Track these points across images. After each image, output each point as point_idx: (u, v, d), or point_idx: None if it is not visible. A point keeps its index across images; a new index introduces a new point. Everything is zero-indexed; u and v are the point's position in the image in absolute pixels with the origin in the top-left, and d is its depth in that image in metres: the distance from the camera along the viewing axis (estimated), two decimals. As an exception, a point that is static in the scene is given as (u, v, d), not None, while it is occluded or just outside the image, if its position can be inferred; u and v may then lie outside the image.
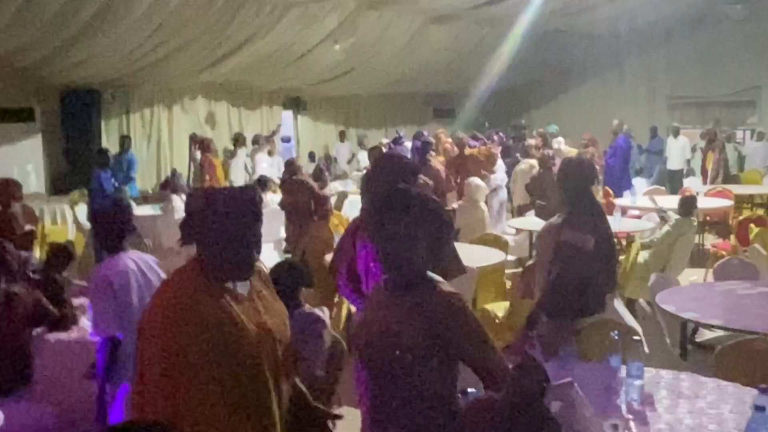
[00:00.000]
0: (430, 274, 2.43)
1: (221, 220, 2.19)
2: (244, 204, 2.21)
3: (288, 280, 3.83)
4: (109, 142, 12.33)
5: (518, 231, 9.10)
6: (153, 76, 12.38)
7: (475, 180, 8.74)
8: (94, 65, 10.99)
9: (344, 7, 11.74)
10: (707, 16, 15.87)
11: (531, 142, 10.53)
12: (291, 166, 8.89)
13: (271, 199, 9.59)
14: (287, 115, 16.92)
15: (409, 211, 2.35)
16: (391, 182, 3.42)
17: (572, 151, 11.10)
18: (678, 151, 14.50)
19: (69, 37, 9.76)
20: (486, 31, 14.48)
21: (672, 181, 14.09)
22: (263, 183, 9.64)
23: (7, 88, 10.95)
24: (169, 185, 9.78)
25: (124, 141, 11.74)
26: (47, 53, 10.23)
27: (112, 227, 3.76)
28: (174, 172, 10.87)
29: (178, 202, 8.95)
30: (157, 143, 13.38)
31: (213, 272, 2.21)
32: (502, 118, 17.88)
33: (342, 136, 16.64)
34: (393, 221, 2.34)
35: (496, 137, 12.44)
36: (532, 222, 7.93)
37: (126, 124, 12.86)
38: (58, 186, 11.53)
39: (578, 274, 3.94)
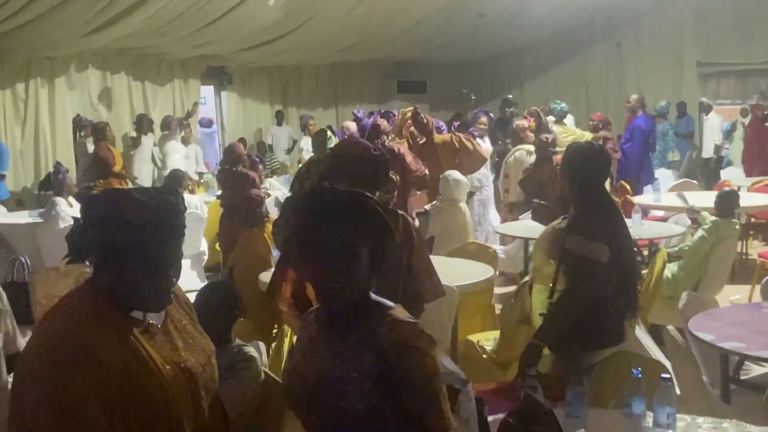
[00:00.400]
0: (377, 297, 2.43)
1: (131, 232, 2.17)
2: (163, 211, 2.20)
3: (219, 310, 3.79)
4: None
5: (503, 238, 9.13)
6: (27, 40, 12.17)
7: (454, 174, 8.74)
8: (-52, 26, 10.80)
9: (280, -51, 11.73)
10: (748, -40, 16.10)
11: (521, 123, 10.42)
12: (232, 153, 8.95)
13: (188, 201, 9.51)
14: (207, 90, 16.83)
15: (344, 214, 2.35)
16: (352, 183, 3.43)
17: (584, 136, 11.12)
18: (709, 133, 14.77)
19: None
20: (465, -19, 14.58)
21: (707, 172, 14.33)
22: (177, 180, 9.60)
23: None
24: (52, 184, 9.65)
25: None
26: None
27: None
28: (58, 167, 10.73)
29: (64, 207, 8.85)
30: (34, 129, 13.18)
31: (116, 299, 2.20)
32: (487, 94, 18.00)
33: (279, 118, 16.62)
34: (325, 227, 2.34)
35: (484, 118, 12.12)
36: (526, 227, 7.98)
37: (-8, 102, 12.70)
38: None
39: (589, 294, 3.97)
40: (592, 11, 17.69)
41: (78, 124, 12.17)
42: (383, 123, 9.61)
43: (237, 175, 8.66)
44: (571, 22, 17.87)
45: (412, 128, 10.71)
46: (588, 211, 4.08)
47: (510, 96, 14.76)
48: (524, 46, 19.11)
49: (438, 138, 9.98)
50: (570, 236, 4.02)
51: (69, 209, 8.79)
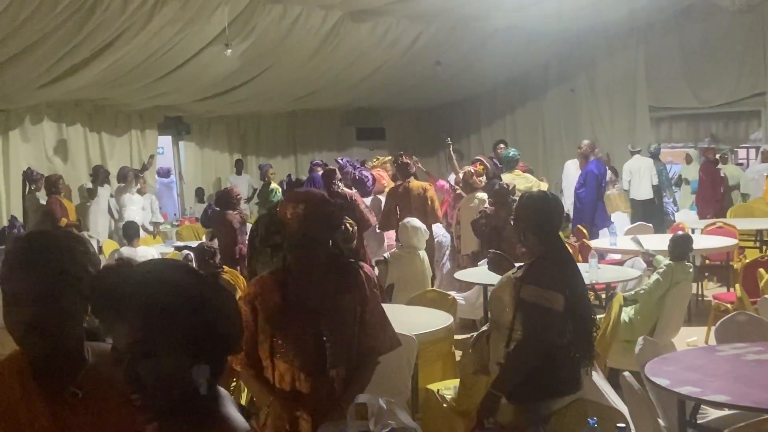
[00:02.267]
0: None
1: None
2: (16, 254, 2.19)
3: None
4: None
5: (462, 284, 9.13)
6: (-19, 94, 12.10)
7: (413, 221, 8.77)
8: None
9: (237, -1, 11.77)
10: (696, 7, 16.33)
11: (470, 169, 10.36)
12: (226, 196, 9.09)
13: (144, 253, 9.47)
14: (165, 140, 16.76)
15: (157, 302, 1.79)
16: (308, 230, 3.44)
17: (540, 185, 11.16)
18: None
19: None
20: (421, 29, 14.69)
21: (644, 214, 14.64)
22: (132, 231, 9.57)
23: None
24: (6, 238, 9.53)
25: None
26: None
27: None
28: (13, 221, 10.62)
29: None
30: (-12, 181, 13.06)
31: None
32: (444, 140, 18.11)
33: (239, 167, 16.58)
34: (128, 320, 1.79)
35: (481, 163, 11.41)
36: (485, 274, 7.98)
37: (-55, 156, 12.58)
38: None
39: (545, 342, 3.97)
40: (547, 58, 17.97)
41: (29, 177, 12.00)
42: (335, 168, 9.90)
43: (223, 216, 8.81)
44: (526, 68, 18.11)
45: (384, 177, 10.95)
46: (542, 260, 4.10)
47: (449, 142, 14.72)
48: (481, 92, 19.33)
49: (414, 183, 10.19)
50: (525, 285, 4.03)
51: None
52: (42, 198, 11.48)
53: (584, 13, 14.90)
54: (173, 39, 12.13)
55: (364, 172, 11.10)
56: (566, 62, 18.11)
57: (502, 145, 13.54)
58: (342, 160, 11.55)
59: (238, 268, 8.59)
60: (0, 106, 12.94)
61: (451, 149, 12.36)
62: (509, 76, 18.35)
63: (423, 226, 8.88)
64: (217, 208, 9.62)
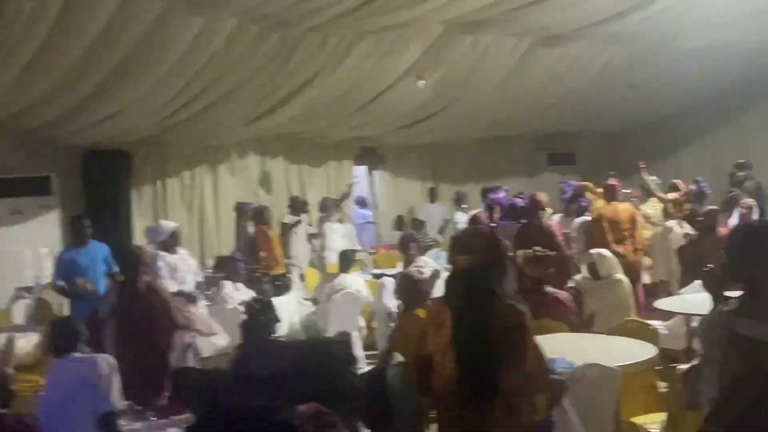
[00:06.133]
0: None
1: None
2: None
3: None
4: (141, 213, 12.91)
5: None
6: (193, 132, 12.82)
7: (602, 251, 8.71)
8: (122, 122, 11.46)
9: (429, 32, 11.93)
10: None
11: (669, 195, 10.29)
12: (419, 223, 9.30)
13: (352, 281, 9.84)
14: (361, 171, 17.13)
15: None
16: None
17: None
18: None
19: (90, 90, 10.19)
20: (613, 52, 14.43)
21: None
22: (347, 259, 9.99)
23: (14, 154, 11.58)
24: (226, 268, 10.05)
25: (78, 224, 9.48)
26: (62, 111, 10.71)
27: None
28: (235, 254, 11.11)
29: (231, 290, 9.20)
30: (199, 214, 13.78)
31: None
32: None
33: (432, 195, 16.69)
34: None
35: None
36: (686, 302, 7.75)
37: (162, 190, 13.38)
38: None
39: (763, 377, 3.80)
40: (748, 73, 17.14)
41: (242, 210, 12.59)
42: (543, 198, 9.94)
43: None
44: (725, 85, 17.35)
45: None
46: (759, 293, 3.93)
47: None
48: (676, 112, 18.62)
49: (620, 206, 10.19)
50: (740, 318, 3.88)
51: (236, 294, 9.13)
52: (250, 228, 12.00)
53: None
54: (369, 73, 12.46)
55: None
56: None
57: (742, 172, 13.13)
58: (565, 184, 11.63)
59: None
60: (210, 141, 13.65)
61: (644, 174, 12.11)
62: (707, 94, 17.62)
63: (612, 255, 8.80)
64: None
